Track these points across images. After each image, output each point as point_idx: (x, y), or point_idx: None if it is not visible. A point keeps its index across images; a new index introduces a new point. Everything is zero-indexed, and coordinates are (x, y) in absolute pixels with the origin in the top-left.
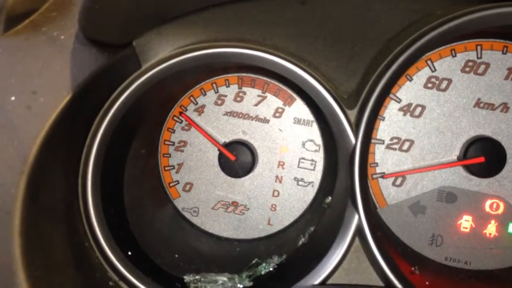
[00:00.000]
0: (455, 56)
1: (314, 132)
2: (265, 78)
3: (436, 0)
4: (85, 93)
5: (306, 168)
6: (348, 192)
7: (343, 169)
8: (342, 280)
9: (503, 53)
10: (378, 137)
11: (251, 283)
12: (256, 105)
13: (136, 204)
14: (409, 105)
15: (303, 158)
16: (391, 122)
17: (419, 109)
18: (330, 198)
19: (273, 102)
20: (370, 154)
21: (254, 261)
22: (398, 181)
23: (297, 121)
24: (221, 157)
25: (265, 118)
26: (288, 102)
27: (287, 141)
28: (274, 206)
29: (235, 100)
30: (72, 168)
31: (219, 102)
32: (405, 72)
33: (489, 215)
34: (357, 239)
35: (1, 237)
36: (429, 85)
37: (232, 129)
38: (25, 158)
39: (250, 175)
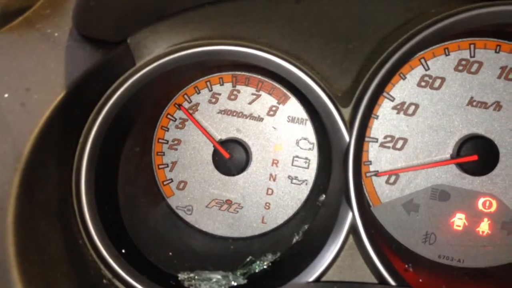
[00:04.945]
0: (449, 55)
1: (308, 130)
2: (259, 77)
3: None
4: (79, 90)
5: (300, 166)
6: (342, 190)
7: (337, 167)
8: (336, 277)
9: (496, 52)
10: (371, 135)
11: (245, 281)
12: (250, 103)
13: (130, 202)
14: (403, 103)
15: (297, 156)
16: (385, 121)
17: (412, 108)
18: (324, 196)
19: (267, 100)
20: (364, 152)
21: (248, 259)
22: (392, 179)
23: (291, 119)
24: (215, 155)
25: (259, 116)
26: (282, 100)
27: (281, 139)
28: (268, 204)
29: (229, 98)
30: (66, 165)
31: (213, 100)
32: (399, 71)
33: (482, 213)
34: (351, 236)
35: None
36: (423, 83)
37: (226, 127)
38: (19, 155)
39: (244, 173)
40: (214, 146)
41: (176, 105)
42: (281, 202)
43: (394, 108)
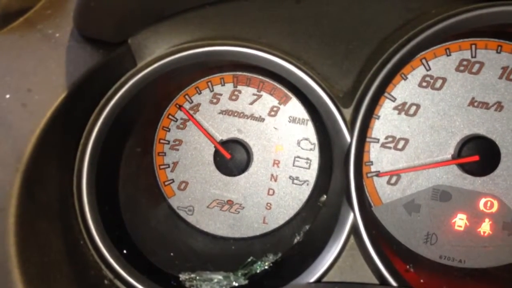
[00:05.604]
0: (450, 55)
1: (309, 131)
2: (260, 77)
3: None
4: (80, 91)
5: (301, 167)
6: (343, 191)
7: (338, 168)
8: (337, 278)
9: (497, 52)
10: (373, 135)
11: (246, 281)
12: (251, 103)
13: (131, 202)
14: (404, 104)
15: (298, 157)
16: (386, 121)
17: (413, 108)
18: (325, 196)
19: (268, 100)
20: (365, 153)
21: (249, 260)
22: (393, 180)
23: (292, 119)
24: (216, 155)
25: (260, 116)
26: (284, 100)
27: (282, 140)
28: (269, 204)
29: (230, 98)
30: (67, 166)
31: (214, 100)
32: (400, 71)
33: (483, 214)
34: (352, 237)
35: None
36: (424, 84)
37: (227, 128)
38: (20, 156)
39: (245, 173)
40: (215, 146)
41: (177, 106)
42: (282, 203)
43: (395, 108)
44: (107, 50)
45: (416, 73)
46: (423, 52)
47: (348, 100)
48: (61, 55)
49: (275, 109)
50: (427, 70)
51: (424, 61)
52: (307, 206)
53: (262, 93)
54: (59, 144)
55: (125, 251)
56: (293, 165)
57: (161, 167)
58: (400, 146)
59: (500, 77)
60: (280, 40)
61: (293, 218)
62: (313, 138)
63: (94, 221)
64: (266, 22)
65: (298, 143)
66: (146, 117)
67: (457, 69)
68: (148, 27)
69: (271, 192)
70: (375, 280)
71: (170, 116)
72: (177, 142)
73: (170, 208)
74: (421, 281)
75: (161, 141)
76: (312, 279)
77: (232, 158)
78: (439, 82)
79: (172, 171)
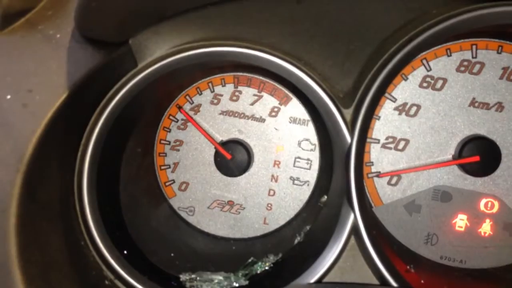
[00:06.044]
0: (450, 55)
1: (310, 131)
2: (261, 77)
3: None
4: (81, 92)
5: (302, 167)
6: (344, 191)
7: (338, 168)
8: (337, 278)
9: (498, 52)
10: (373, 136)
11: (247, 282)
12: (252, 104)
13: (132, 203)
14: (405, 104)
15: (299, 157)
16: (387, 122)
17: (414, 109)
18: (325, 197)
19: (269, 101)
20: (366, 153)
21: (250, 260)
22: (394, 180)
23: (293, 120)
24: (217, 156)
25: (261, 117)
26: (284, 101)
27: (283, 140)
28: (270, 205)
29: (231, 99)
30: (68, 166)
31: (215, 101)
32: (401, 71)
33: (484, 214)
34: (352, 237)
35: None
36: (424, 84)
37: (228, 128)
38: (21, 156)
39: (246, 174)
40: (215, 147)
41: (178, 106)
42: (283, 203)
43: (396, 109)
44: (108, 50)
45: (416, 74)
46: (424, 53)
47: (349, 100)
48: (62, 55)
49: (275, 109)
50: (428, 71)
51: (424, 61)
52: (308, 206)
53: (263, 93)
54: (60, 144)
55: (125, 252)
56: (294, 166)
57: (162, 167)
58: (400, 146)
59: (501, 78)
60: (281, 41)
61: (293, 219)
62: (314, 138)
63: (95, 222)
64: (267, 22)
65: (299, 143)
66: (147, 117)
67: (457, 70)
68: (149, 28)
69: (271, 192)
70: (375, 281)
71: (170, 117)
72: (177, 143)
73: (171, 208)
74: (422, 281)
75: (162, 141)
76: (313, 280)
77: (233, 158)
78: (440, 82)
79: (172, 171)
